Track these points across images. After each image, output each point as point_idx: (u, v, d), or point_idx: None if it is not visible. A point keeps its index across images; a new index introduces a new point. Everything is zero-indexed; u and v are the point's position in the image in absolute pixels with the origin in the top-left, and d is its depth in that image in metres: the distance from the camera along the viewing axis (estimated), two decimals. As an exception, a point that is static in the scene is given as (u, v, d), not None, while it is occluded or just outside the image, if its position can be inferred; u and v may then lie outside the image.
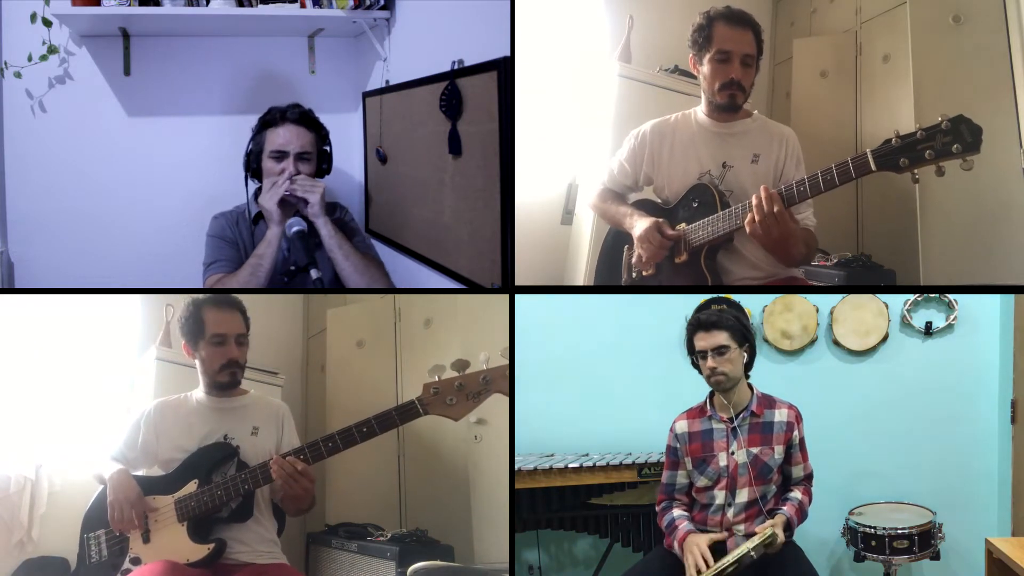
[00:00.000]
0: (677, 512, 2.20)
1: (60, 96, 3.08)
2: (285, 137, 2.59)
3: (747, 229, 2.08)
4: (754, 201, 2.06)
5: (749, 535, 2.11)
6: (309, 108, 2.68)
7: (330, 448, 2.16)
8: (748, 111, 2.34)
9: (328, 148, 2.72)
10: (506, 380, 2.12)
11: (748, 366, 2.20)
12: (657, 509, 2.27)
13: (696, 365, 2.22)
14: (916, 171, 1.87)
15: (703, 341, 2.15)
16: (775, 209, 2.02)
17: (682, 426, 2.22)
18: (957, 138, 1.80)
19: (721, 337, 2.13)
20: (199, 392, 2.36)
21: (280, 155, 2.58)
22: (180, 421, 2.30)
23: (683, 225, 2.27)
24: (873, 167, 1.90)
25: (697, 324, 2.17)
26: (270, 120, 2.62)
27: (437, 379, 2.12)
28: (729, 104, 2.26)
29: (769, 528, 2.06)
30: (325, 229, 2.56)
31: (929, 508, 2.56)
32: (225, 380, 2.30)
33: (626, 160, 2.46)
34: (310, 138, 2.63)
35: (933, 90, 2.58)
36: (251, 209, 2.67)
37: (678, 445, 2.22)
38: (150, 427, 2.31)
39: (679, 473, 2.23)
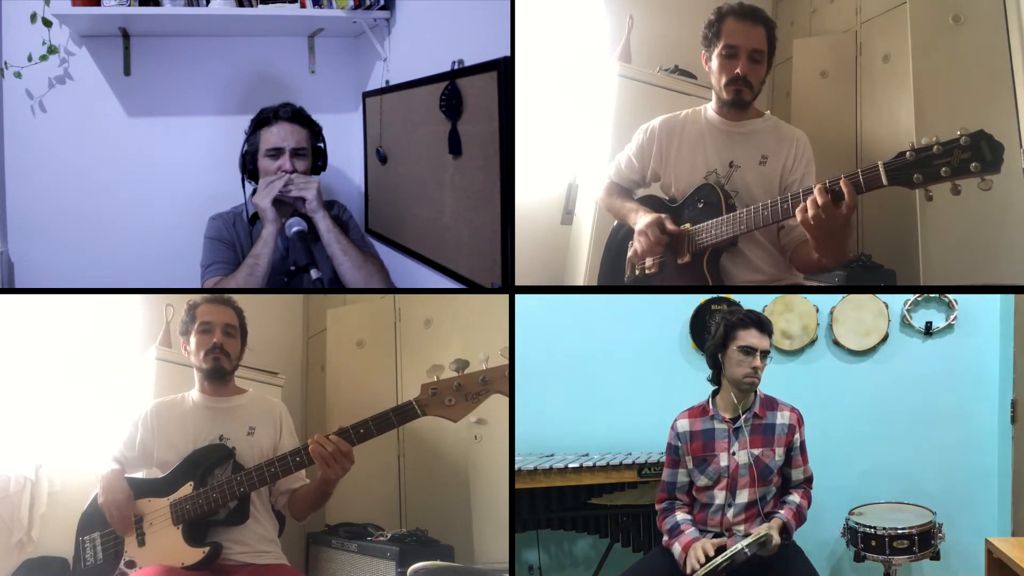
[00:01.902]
0: (681, 516, 2.19)
1: (60, 96, 3.08)
2: (280, 135, 2.59)
3: (797, 216, 1.93)
4: (818, 189, 1.87)
5: (748, 536, 2.11)
6: (300, 107, 2.68)
7: (326, 451, 2.13)
8: (760, 111, 2.31)
9: (322, 145, 2.71)
10: (505, 380, 2.10)
11: None
12: (658, 508, 2.27)
13: (718, 357, 2.19)
14: (930, 188, 1.76)
15: (757, 340, 2.13)
16: (847, 201, 1.84)
17: (683, 425, 2.22)
18: (976, 155, 1.68)
19: (767, 343, 2.15)
20: (195, 392, 2.36)
21: (276, 152, 2.58)
22: (175, 421, 2.30)
23: (687, 225, 2.25)
24: (885, 181, 1.79)
25: (753, 321, 2.15)
26: (263, 119, 2.62)
27: (435, 379, 2.10)
28: (735, 100, 2.23)
29: (764, 528, 2.06)
30: (323, 223, 2.55)
31: (929, 508, 2.56)
32: (209, 366, 2.29)
33: (634, 155, 2.44)
34: (304, 134, 2.62)
35: (933, 90, 2.58)
36: (248, 210, 2.67)
37: (679, 444, 2.22)
38: (147, 428, 2.31)
39: (679, 472, 2.23)
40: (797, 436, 2.20)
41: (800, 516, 2.18)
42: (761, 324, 2.16)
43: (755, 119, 2.30)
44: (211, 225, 2.68)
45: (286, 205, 2.56)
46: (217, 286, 2.54)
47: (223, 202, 2.76)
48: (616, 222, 2.53)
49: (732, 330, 2.16)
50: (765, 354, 2.15)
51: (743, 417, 2.17)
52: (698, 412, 2.23)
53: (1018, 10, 2.41)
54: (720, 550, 2.08)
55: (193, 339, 2.32)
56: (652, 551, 2.31)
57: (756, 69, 2.21)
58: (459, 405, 2.10)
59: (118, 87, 3.15)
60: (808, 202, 1.89)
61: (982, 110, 2.44)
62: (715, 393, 2.24)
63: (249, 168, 2.64)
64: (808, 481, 2.25)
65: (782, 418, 2.19)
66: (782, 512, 2.15)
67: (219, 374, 2.32)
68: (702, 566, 2.01)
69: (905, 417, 2.74)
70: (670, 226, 2.25)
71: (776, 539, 2.05)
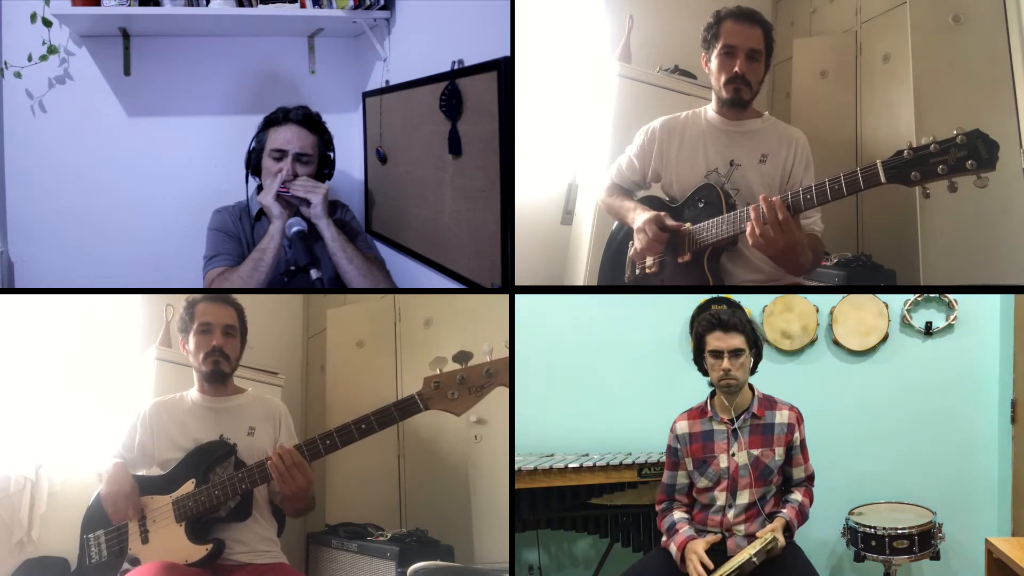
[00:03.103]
0: (678, 515, 2.20)
1: (60, 96, 3.08)
2: (286, 137, 2.59)
3: (749, 240, 2.02)
4: (753, 214, 1.98)
5: (749, 536, 2.11)
6: (317, 112, 2.68)
7: (328, 446, 2.13)
8: (758, 111, 2.34)
9: (331, 154, 2.71)
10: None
11: (752, 370, 2.20)
12: (657, 509, 2.27)
13: (701, 364, 2.21)
14: (927, 186, 1.80)
15: (721, 341, 2.13)
16: (780, 217, 1.94)
17: (682, 426, 2.22)
18: (972, 154, 1.72)
19: (738, 340, 2.13)
20: (193, 391, 2.36)
21: (280, 154, 2.59)
22: (175, 420, 2.30)
23: (688, 225, 2.26)
24: (883, 179, 1.83)
25: (716, 323, 2.14)
26: (274, 119, 2.63)
27: (438, 372, 2.07)
28: (735, 99, 2.25)
29: (769, 533, 2.06)
30: (328, 231, 2.55)
31: (929, 508, 2.56)
32: (208, 369, 2.29)
33: (635, 156, 2.46)
34: (311, 140, 2.63)
35: (933, 90, 2.58)
36: (252, 206, 2.67)
37: (678, 446, 2.22)
38: (146, 427, 2.31)
39: (679, 473, 2.23)
40: (797, 435, 2.19)
41: (802, 515, 2.19)
42: (724, 324, 2.14)
43: (754, 119, 2.32)
44: (216, 217, 2.69)
45: (292, 204, 2.56)
46: (220, 277, 2.53)
47: (223, 202, 2.76)
48: (616, 222, 2.54)
49: (701, 338, 2.18)
50: (737, 353, 2.13)
51: (741, 418, 2.17)
52: (697, 413, 2.23)
53: (1018, 10, 2.41)
54: (720, 549, 2.09)
55: (192, 339, 2.31)
56: (652, 551, 2.31)
57: (754, 68, 2.24)
58: (463, 399, 2.06)
59: (118, 87, 3.15)
60: (749, 224, 1.99)
61: (982, 110, 2.44)
62: (713, 394, 2.24)
63: (254, 165, 2.65)
64: (810, 479, 2.25)
65: (781, 417, 2.19)
66: (784, 511, 2.15)
67: (218, 377, 2.32)
68: (710, 572, 2.02)
69: (905, 417, 2.74)
70: (669, 222, 2.26)
71: (782, 541, 2.06)
